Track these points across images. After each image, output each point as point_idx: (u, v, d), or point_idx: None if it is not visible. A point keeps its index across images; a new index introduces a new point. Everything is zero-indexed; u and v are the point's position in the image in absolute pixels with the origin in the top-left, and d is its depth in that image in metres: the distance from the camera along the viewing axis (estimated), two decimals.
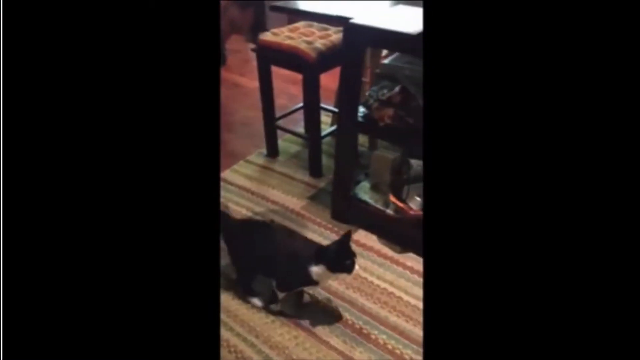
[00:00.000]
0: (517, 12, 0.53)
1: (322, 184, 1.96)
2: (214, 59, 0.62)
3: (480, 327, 0.55)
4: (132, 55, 0.56)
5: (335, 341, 1.28)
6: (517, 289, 0.54)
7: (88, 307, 0.56)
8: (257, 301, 1.38)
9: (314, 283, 1.27)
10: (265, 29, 1.67)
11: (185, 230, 0.59)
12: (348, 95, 1.50)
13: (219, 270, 1.37)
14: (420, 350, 1.25)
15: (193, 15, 0.58)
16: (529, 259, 0.54)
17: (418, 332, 1.31)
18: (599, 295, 0.52)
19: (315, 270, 1.23)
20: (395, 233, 1.61)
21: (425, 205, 0.60)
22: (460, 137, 0.56)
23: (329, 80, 2.18)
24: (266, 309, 1.36)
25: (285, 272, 1.29)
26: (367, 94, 1.54)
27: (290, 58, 1.77)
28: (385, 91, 1.46)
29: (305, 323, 1.33)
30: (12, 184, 0.53)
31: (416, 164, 1.62)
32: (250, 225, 1.46)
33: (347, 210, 1.71)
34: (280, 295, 1.33)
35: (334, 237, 1.66)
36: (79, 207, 0.56)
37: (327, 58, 1.76)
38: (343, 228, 1.70)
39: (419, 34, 1.22)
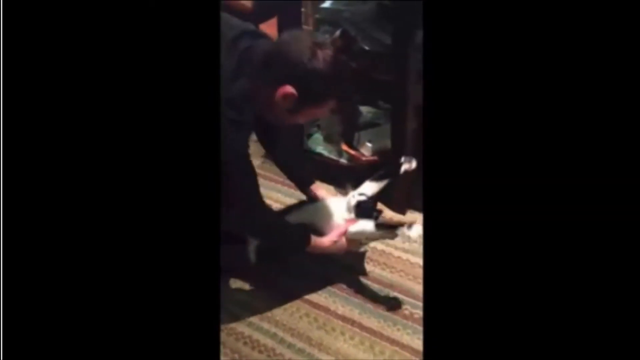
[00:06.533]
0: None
1: None
2: None
3: (478, 280, 0.55)
4: None
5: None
6: (515, 248, 0.54)
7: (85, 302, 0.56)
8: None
9: None
10: None
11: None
12: None
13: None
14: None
15: None
16: (528, 221, 0.54)
17: (414, 286, 1.35)
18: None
19: None
20: (350, 181, 1.62)
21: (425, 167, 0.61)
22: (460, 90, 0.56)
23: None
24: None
25: None
26: None
27: (226, 7, 1.67)
28: (327, 36, 1.41)
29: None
30: (11, 184, 0.52)
31: (365, 110, 1.61)
32: None
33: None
34: None
35: (298, 194, 1.63)
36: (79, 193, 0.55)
37: (264, 7, 1.67)
38: None
39: None
